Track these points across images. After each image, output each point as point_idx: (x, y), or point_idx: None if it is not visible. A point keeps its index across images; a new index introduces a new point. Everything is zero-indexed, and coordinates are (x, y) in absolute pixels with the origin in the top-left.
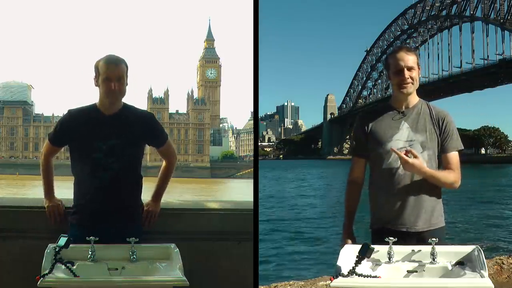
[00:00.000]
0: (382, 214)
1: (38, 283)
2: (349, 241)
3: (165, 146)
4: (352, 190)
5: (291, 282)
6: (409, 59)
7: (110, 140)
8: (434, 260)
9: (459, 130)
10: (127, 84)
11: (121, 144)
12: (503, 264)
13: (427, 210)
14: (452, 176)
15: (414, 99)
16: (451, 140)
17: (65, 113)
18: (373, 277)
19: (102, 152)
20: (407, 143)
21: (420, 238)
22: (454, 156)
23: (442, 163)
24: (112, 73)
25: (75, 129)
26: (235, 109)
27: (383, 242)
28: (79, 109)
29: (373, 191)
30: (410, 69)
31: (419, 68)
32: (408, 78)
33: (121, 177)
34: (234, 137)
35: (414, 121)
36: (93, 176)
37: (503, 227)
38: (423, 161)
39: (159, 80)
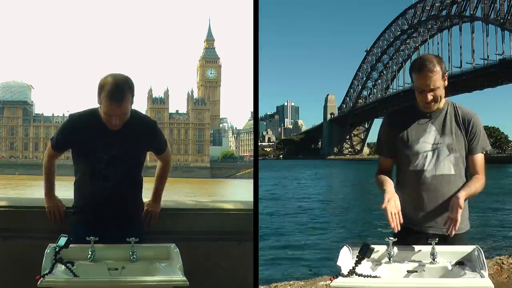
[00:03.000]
0: (404, 214)
1: (38, 283)
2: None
3: (165, 152)
4: (380, 177)
5: (291, 282)
6: (433, 80)
7: (114, 145)
8: (434, 260)
9: None
10: (132, 103)
11: (126, 150)
12: (503, 264)
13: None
14: (480, 183)
15: (441, 102)
16: (478, 141)
17: (66, 119)
18: (373, 277)
19: (106, 155)
20: (434, 146)
21: (441, 240)
22: (480, 158)
23: (469, 165)
24: (113, 111)
25: (78, 134)
26: (235, 109)
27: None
28: (81, 113)
29: (398, 192)
30: (433, 90)
31: (445, 78)
32: (430, 99)
33: (124, 181)
34: (234, 137)
35: (441, 124)
36: (95, 178)
37: (503, 228)
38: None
39: (159, 80)
